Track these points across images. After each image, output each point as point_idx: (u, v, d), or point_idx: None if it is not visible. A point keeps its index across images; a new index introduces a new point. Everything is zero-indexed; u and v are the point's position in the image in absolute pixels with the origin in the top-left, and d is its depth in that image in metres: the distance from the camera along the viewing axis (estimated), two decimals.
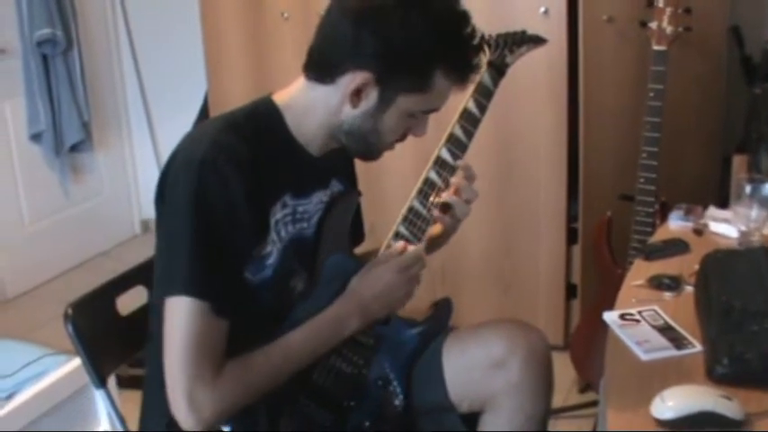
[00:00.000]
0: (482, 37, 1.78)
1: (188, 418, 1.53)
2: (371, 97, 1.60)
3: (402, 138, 1.70)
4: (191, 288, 1.51)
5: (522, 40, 1.86)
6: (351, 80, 1.58)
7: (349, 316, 1.67)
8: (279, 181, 1.63)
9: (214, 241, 1.53)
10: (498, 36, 1.84)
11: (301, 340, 1.63)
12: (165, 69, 4.80)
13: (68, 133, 4.39)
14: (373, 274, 1.70)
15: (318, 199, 1.74)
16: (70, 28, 4.31)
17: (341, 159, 1.80)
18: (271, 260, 1.64)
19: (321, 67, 1.63)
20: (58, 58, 4.28)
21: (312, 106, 1.65)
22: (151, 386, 1.75)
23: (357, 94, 1.59)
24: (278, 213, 1.65)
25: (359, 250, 1.88)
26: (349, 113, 1.62)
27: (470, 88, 1.76)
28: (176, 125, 4.39)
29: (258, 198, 1.58)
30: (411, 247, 1.72)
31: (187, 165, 1.54)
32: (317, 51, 1.64)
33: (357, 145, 1.68)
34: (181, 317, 1.51)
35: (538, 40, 1.89)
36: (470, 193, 1.80)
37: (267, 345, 1.60)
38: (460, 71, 1.63)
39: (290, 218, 1.66)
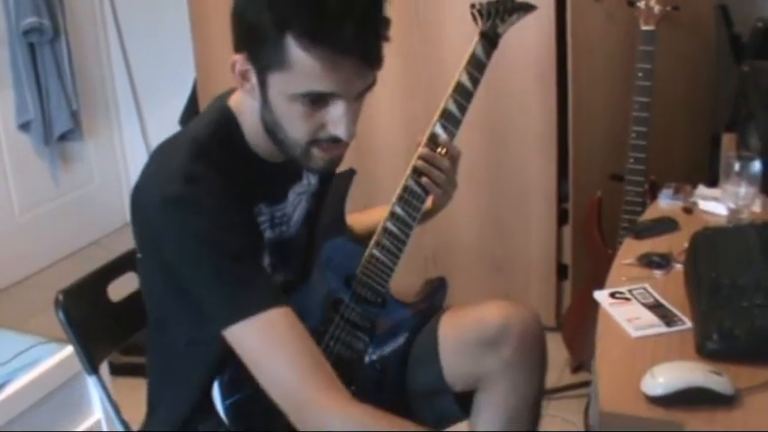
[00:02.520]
0: (473, 6, 1.78)
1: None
2: (253, 82, 1.48)
3: (328, 139, 1.50)
4: (250, 306, 1.44)
5: (513, 8, 1.83)
6: (232, 64, 1.49)
7: None
8: (250, 193, 1.58)
9: (235, 255, 1.47)
10: (489, 4, 1.80)
11: None
12: (154, 57, 4.78)
13: (57, 122, 4.37)
14: None
15: (294, 195, 1.72)
16: (57, 16, 4.29)
17: None
18: None
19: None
20: (45, 47, 4.26)
21: (247, 111, 1.57)
22: (156, 382, 1.77)
23: (246, 80, 1.49)
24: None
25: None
26: (257, 108, 1.52)
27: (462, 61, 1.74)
28: (165, 113, 4.40)
29: (242, 212, 1.55)
30: None
31: (165, 206, 1.47)
32: None
33: (280, 148, 1.55)
34: (262, 337, 1.44)
35: (528, 8, 1.85)
36: (442, 164, 1.76)
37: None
38: (318, 36, 1.38)
39: (269, 223, 1.64)
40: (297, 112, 1.47)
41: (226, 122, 1.58)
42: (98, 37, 4.79)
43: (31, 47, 4.21)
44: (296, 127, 1.49)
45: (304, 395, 1.43)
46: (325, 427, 1.41)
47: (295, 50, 1.40)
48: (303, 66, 1.41)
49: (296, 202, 1.71)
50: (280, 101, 1.47)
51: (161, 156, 1.57)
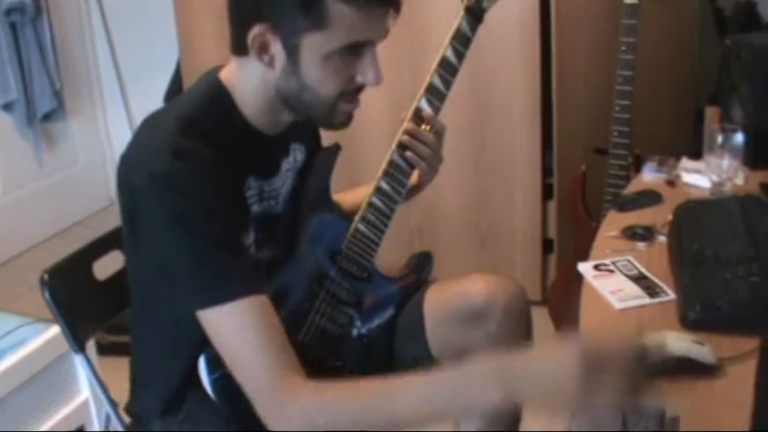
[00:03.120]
0: None
1: (277, 425, 1.39)
2: (278, 51, 1.46)
3: (355, 90, 1.53)
4: (225, 293, 1.41)
5: None
6: (251, 40, 1.46)
7: (492, 386, 1.24)
8: (241, 167, 1.56)
9: (217, 240, 1.45)
10: None
11: (413, 394, 1.35)
12: (137, 35, 4.76)
13: (40, 102, 4.35)
14: (552, 355, 1.26)
15: (285, 169, 1.70)
16: None
17: (301, 122, 1.69)
18: None
19: (234, 38, 1.53)
20: (27, 26, 4.23)
21: (247, 84, 1.55)
22: (141, 359, 1.76)
23: (265, 52, 1.47)
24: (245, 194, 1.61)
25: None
26: (273, 78, 1.50)
27: (448, 35, 1.73)
28: (149, 92, 4.38)
29: (230, 189, 1.52)
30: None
31: (151, 182, 1.43)
32: (229, 24, 1.55)
33: (303, 111, 1.56)
34: (233, 323, 1.42)
35: None
36: (426, 138, 1.76)
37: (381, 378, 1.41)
38: None
39: (257, 197, 1.62)
40: (331, 69, 1.47)
41: (218, 95, 1.57)
42: (81, 15, 4.76)
43: (13, 26, 4.18)
44: (328, 84, 1.49)
45: (265, 383, 1.40)
46: (284, 414, 1.39)
47: (334, 6, 1.41)
48: (343, 19, 1.42)
49: (284, 178, 1.70)
50: (313, 62, 1.46)
51: (149, 129, 1.55)
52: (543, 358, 1.25)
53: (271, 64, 1.48)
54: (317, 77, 1.48)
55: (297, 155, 1.74)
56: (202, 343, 1.57)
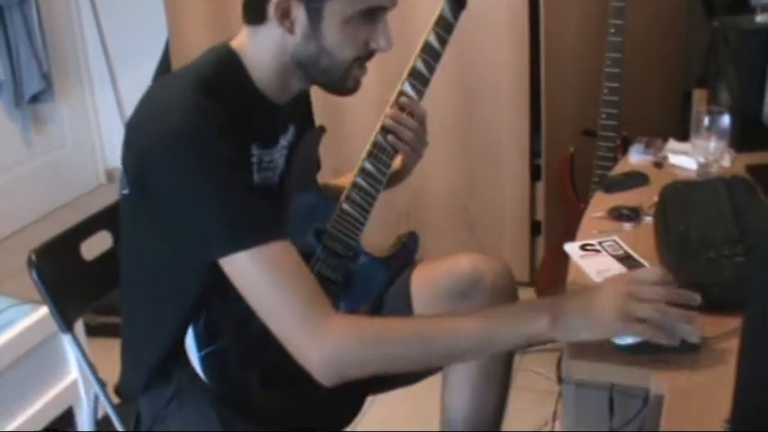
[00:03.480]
0: None
1: (320, 350, 1.41)
2: (300, 15, 1.52)
3: (367, 55, 1.61)
4: (253, 236, 1.43)
5: None
6: (274, 6, 1.52)
7: (539, 312, 1.38)
8: (246, 133, 1.59)
9: (240, 186, 1.48)
10: None
11: (467, 320, 1.45)
12: (125, 17, 4.74)
13: (28, 84, 4.35)
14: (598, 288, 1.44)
15: (281, 145, 1.72)
16: None
17: (299, 104, 1.78)
18: None
19: (250, 7, 1.58)
20: (14, 8, 4.22)
21: (261, 51, 1.59)
22: (127, 343, 1.77)
23: (286, 17, 1.52)
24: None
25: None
26: (292, 43, 1.56)
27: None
28: (138, 73, 4.37)
29: (238, 150, 1.55)
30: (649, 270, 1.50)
31: (167, 135, 1.45)
32: None
33: (317, 76, 1.61)
34: (262, 267, 1.44)
35: None
36: (408, 122, 1.79)
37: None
38: None
39: (257, 166, 1.64)
40: (349, 33, 1.55)
41: (229, 61, 1.60)
42: None
43: (0, 9, 4.16)
44: (346, 48, 1.56)
45: (313, 321, 1.42)
46: (340, 346, 1.42)
47: None
48: None
49: (281, 153, 1.72)
50: (334, 26, 1.53)
51: (161, 90, 1.60)
52: (584, 292, 1.42)
53: (291, 29, 1.54)
54: (337, 41, 1.55)
55: (290, 133, 1.75)
56: (189, 314, 1.59)
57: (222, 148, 1.46)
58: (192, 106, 1.47)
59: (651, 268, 1.53)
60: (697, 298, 1.35)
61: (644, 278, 1.38)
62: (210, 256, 1.46)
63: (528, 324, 1.38)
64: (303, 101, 1.81)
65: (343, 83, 1.63)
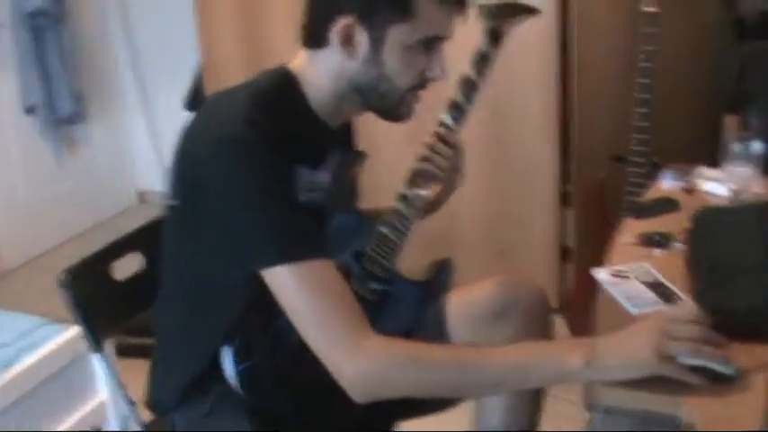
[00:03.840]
0: (480, 6, 1.83)
1: (356, 366, 1.43)
2: (363, 41, 1.56)
3: (422, 84, 1.64)
4: (296, 251, 1.45)
5: (517, 10, 1.90)
6: (337, 30, 1.55)
7: (574, 352, 1.38)
8: (297, 152, 1.60)
9: (290, 201, 1.52)
10: (495, 5, 1.88)
11: (502, 351, 1.47)
12: (158, 40, 4.79)
13: (61, 105, 4.39)
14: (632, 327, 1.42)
15: (329, 168, 1.74)
16: None
17: (347, 128, 1.82)
18: None
19: (311, 31, 1.61)
20: (49, 29, 4.27)
21: (319, 74, 1.62)
22: (161, 356, 1.78)
23: (348, 42, 1.56)
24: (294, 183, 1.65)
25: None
26: (351, 68, 1.59)
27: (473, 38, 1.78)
28: (170, 96, 4.41)
29: (287, 173, 1.56)
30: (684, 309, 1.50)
31: (222, 145, 1.48)
32: (305, 18, 1.63)
33: (374, 101, 1.64)
34: (305, 282, 1.45)
35: (532, 11, 1.94)
36: (446, 153, 1.83)
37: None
38: None
39: (303, 187, 1.65)
40: (408, 60, 1.58)
41: (286, 82, 1.64)
42: (102, 20, 4.81)
43: (35, 30, 4.21)
44: (404, 75, 1.60)
45: (351, 338, 1.44)
46: (376, 364, 1.43)
47: (422, 0, 1.53)
48: (426, 12, 1.54)
49: (328, 174, 1.74)
50: (395, 52, 1.57)
51: (218, 104, 1.63)
52: (620, 332, 1.40)
53: (352, 54, 1.57)
54: (396, 68, 1.58)
55: (337, 157, 1.77)
56: (226, 333, 1.60)
57: (273, 161, 1.49)
58: (246, 119, 1.50)
59: (685, 306, 1.53)
60: (725, 342, 1.35)
61: (679, 317, 1.39)
62: (255, 267, 1.47)
63: (563, 364, 1.38)
64: (349, 125, 1.84)
65: (398, 109, 1.66)
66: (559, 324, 2.97)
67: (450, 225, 3.48)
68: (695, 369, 1.32)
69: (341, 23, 1.54)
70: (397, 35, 1.55)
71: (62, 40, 4.35)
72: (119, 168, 5.02)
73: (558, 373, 1.40)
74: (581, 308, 2.93)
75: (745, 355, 1.37)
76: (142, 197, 5.10)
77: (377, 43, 1.56)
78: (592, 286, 1.78)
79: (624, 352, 1.36)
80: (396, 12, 1.53)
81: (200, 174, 1.50)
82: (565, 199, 3.37)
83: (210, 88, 3.79)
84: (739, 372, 1.34)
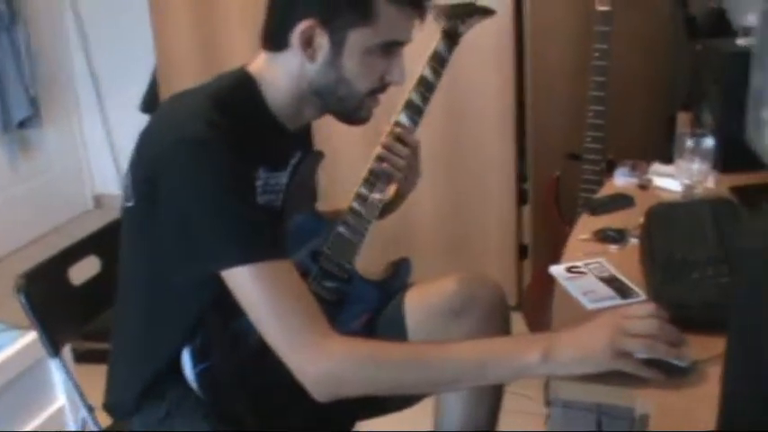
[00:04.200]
0: (435, 7, 1.84)
1: (318, 366, 1.43)
2: (323, 44, 1.56)
3: (381, 88, 1.65)
4: (255, 252, 1.46)
5: (473, 11, 1.93)
6: (298, 33, 1.55)
7: (531, 348, 1.39)
8: (256, 155, 1.61)
9: (249, 203, 1.53)
10: (451, 6, 1.91)
11: (459, 348, 1.48)
12: (113, 43, 4.76)
13: (15, 109, 4.35)
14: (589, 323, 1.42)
15: (288, 170, 1.75)
16: (14, 2, 4.26)
17: (306, 130, 1.82)
18: None
19: (272, 33, 1.62)
20: (2, 33, 4.23)
21: (279, 77, 1.63)
22: (119, 358, 1.77)
23: (309, 44, 1.56)
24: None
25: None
26: (311, 71, 1.59)
27: (428, 55, 1.81)
28: (125, 99, 4.38)
29: (245, 174, 1.56)
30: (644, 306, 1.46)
31: (182, 145, 1.48)
32: (266, 21, 1.63)
33: (333, 104, 1.65)
34: (264, 283, 1.46)
35: (487, 12, 1.97)
36: (402, 152, 1.85)
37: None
38: None
39: (261, 189, 1.66)
40: (368, 64, 1.59)
41: (245, 84, 1.64)
42: (57, 23, 4.77)
43: None
44: (363, 79, 1.61)
45: (311, 338, 1.44)
46: (337, 363, 1.44)
47: (383, 6, 1.54)
48: (386, 16, 1.55)
49: (287, 176, 1.74)
50: (355, 56, 1.57)
51: (177, 105, 1.62)
52: (577, 328, 1.40)
53: (312, 57, 1.58)
54: (356, 71, 1.59)
55: (297, 159, 1.78)
56: (186, 333, 1.60)
57: (232, 162, 1.48)
58: (204, 120, 1.50)
59: (642, 303, 1.54)
60: (682, 337, 1.37)
61: (635, 313, 1.40)
62: (213, 268, 1.47)
63: (519, 360, 1.39)
64: (308, 127, 1.84)
65: (357, 113, 1.67)
66: (518, 321, 2.99)
67: (409, 224, 3.49)
68: (651, 362, 1.34)
69: (302, 26, 1.55)
70: (357, 39, 1.56)
71: (16, 44, 4.31)
72: (74, 172, 4.98)
73: (515, 369, 1.41)
74: (538, 305, 2.96)
75: (699, 347, 1.39)
76: (98, 201, 5.06)
77: (337, 47, 1.57)
78: (549, 283, 1.80)
79: (580, 347, 1.37)
80: (357, 16, 1.54)
81: (158, 174, 1.50)
82: (521, 197, 3.39)
83: (166, 91, 3.77)
84: (694, 364, 1.36)
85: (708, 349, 1.38)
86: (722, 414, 1.08)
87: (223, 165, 1.48)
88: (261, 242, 1.48)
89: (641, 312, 1.40)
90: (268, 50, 1.64)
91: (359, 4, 1.54)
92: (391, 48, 1.60)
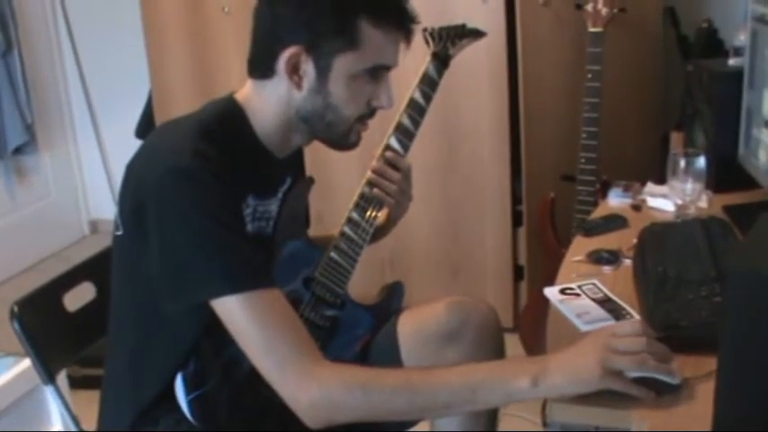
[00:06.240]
0: (425, 30, 1.85)
1: (309, 393, 1.42)
2: (309, 71, 1.57)
3: (370, 113, 1.65)
4: (243, 282, 1.46)
5: (463, 34, 1.94)
6: (284, 60, 1.55)
7: (518, 369, 1.40)
8: (244, 183, 1.61)
9: (237, 232, 1.52)
10: (441, 29, 1.92)
11: (449, 373, 1.46)
12: (109, 69, 4.76)
13: (11, 136, 4.35)
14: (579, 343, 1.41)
15: (278, 197, 1.75)
16: (9, 29, 4.27)
17: (296, 156, 1.81)
18: None
19: (258, 61, 1.62)
20: None
21: (266, 105, 1.63)
22: (112, 385, 1.76)
23: (295, 71, 1.57)
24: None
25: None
26: (298, 98, 1.60)
27: (418, 77, 1.83)
28: (121, 125, 4.38)
29: (232, 203, 1.57)
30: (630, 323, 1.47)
31: (169, 176, 1.48)
32: (252, 49, 1.64)
33: (321, 130, 1.65)
34: (254, 312, 1.45)
35: (478, 34, 1.98)
36: (393, 176, 1.85)
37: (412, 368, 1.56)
38: (385, 16, 1.57)
39: (251, 217, 1.66)
40: (355, 89, 1.60)
41: (232, 113, 1.64)
42: (52, 49, 4.77)
43: None
44: (350, 104, 1.61)
45: (302, 366, 1.44)
46: (329, 391, 1.43)
47: (368, 30, 1.55)
48: (372, 42, 1.56)
49: (277, 203, 1.74)
50: (341, 81, 1.58)
51: (164, 134, 1.63)
52: (567, 349, 1.40)
53: (299, 84, 1.58)
54: (343, 97, 1.60)
55: (287, 185, 1.78)
56: (180, 360, 1.59)
57: (219, 191, 1.49)
58: (192, 149, 1.50)
59: (631, 321, 1.55)
60: (670, 354, 1.38)
61: (622, 330, 1.40)
62: (202, 297, 1.47)
63: (509, 385, 1.39)
64: (298, 153, 1.83)
65: (346, 138, 1.67)
66: (514, 343, 2.99)
67: (404, 246, 3.49)
68: (641, 380, 1.34)
69: (287, 54, 1.55)
70: (343, 65, 1.56)
71: (11, 70, 4.31)
72: (71, 198, 4.97)
73: (506, 394, 1.40)
74: (535, 326, 2.96)
75: (691, 365, 1.39)
76: (95, 226, 5.05)
77: (323, 73, 1.57)
78: (545, 305, 1.80)
79: (570, 369, 1.36)
80: (342, 42, 1.55)
81: (146, 204, 1.50)
82: (516, 219, 3.39)
83: (161, 117, 3.79)
84: (685, 381, 1.36)
85: (700, 367, 1.39)
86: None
87: (209, 194, 1.48)
88: (248, 271, 1.48)
89: (629, 330, 1.40)
90: (255, 78, 1.64)
91: (344, 29, 1.54)
92: (378, 72, 1.61)
